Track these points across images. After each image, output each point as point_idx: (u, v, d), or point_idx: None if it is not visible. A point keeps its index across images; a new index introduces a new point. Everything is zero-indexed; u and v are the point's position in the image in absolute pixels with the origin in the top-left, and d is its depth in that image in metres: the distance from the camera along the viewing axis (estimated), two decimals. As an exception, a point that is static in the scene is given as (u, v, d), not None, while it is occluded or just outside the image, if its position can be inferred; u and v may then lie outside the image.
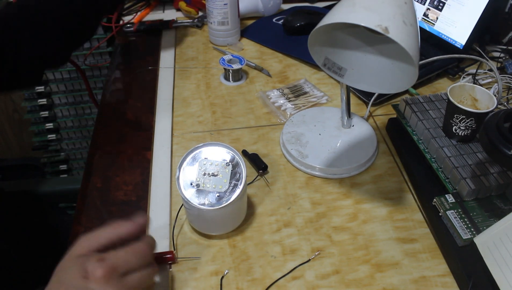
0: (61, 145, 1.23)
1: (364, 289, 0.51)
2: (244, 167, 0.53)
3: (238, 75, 0.84)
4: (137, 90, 0.83)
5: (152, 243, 0.46)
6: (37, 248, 0.71)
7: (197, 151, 0.54)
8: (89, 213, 0.60)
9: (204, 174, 0.53)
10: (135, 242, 0.44)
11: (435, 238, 0.56)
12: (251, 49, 0.93)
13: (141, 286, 0.44)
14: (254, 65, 0.87)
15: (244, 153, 0.67)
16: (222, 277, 0.52)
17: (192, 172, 0.53)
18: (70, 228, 0.58)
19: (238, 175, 0.53)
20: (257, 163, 0.65)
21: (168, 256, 0.53)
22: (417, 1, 0.89)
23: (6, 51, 0.59)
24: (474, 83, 0.81)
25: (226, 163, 0.53)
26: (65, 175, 1.28)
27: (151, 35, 0.99)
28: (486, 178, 0.56)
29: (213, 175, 0.53)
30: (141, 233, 0.45)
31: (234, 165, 0.53)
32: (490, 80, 0.83)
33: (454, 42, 0.83)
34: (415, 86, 0.80)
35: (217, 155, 0.54)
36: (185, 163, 0.54)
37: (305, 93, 0.80)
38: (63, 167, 1.26)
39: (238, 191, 0.52)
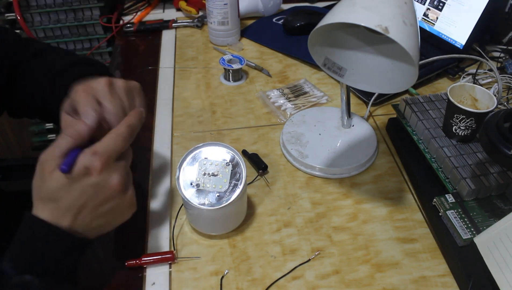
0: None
1: (364, 289, 0.51)
2: (244, 167, 0.53)
3: (238, 75, 0.84)
4: (137, 90, 0.83)
5: (131, 123, 0.46)
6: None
7: (197, 151, 0.54)
8: (89, 213, 0.60)
9: (204, 174, 0.53)
10: (116, 127, 0.45)
11: (435, 238, 0.56)
12: (251, 49, 0.93)
13: (129, 162, 0.47)
14: (254, 65, 0.87)
15: (244, 153, 0.67)
16: (222, 277, 0.52)
17: (192, 172, 0.53)
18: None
19: (238, 175, 0.53)
20: (257, 163, 0.65)
21: (168, 256, 0.53)
22: (417, 1, 0.89)
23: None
24: (474, 83, 0.81)
25: (226, 163, 0.53)
26: (65, 175, 1.28)
27: (151, 35, 0.99)
28: (486, 178, 0.56)
29: (213, 175, 0.53)
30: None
31: (234, 165, 0.53)
32: (490, 80, 0.83)
33: (454, 42, 0.83)
34: (415, 86, 0.80)
35: (217, 155, 0.54)
36: (185, 163, 0.54)
37: (305, 93, 0.80)
38: (63, 167, 1.26)
39: (238, 191, 0.52)
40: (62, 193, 0.42)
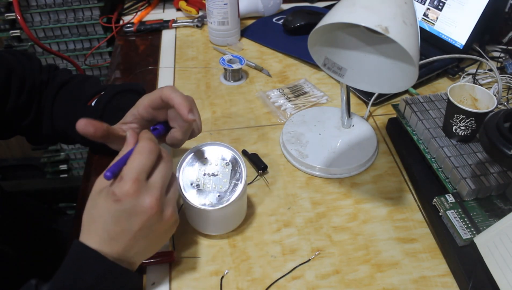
0: (61, 145, 1.22)
1: (364, 289, 0.51)
2: (244, 167, 0.53)
3: (238, 75, 0.84)
4: (137, 90, 0.83)
5: (151, 136, 0.46)
6: (36, 248, 0.71)
7: (197, 151, 0.54)
8: (89, 213, 0.60)
9: (204, 174, 0.53)
10: (137, 146, 0.45)
11: (435, 238, 0.56)
12: (251, 49, 0.93)
13: (167, 178, 0.45)
14: (254, 65, 0.87)
15: (244, 153, 0.67)
16: (222, 277, 0.52)
17: (192, 173, 0.53)
18: (70, 228, 0.58)
19: (238, 174, 0.53)
20: (257, 163, 0.65)
21: (168, 256, 0.53)
22: (417, 1, 0.89)
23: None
24: (474, 83, 0.81)
25: (226, 163, 0.53)
26: (65, 175, 1.28)
27: (151, 35, 0.99)
28: (486, 178, 0.56)
29: (213, 175, 0.53)
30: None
31: (234, 165, 0.53)
32: (490, 80, 0.83)
33: (454, 42, 0.83)
34: (415, 86, 0.80)
35: (217, 155, 0.54)
36: (184, 163, 0.53)
37: (305, 93, 0.80)
38: (63, 167, 1.26)
39: (238, 190, 0.52)
40: (102, 219, 0.42)
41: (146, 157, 0.43)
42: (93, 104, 0.61)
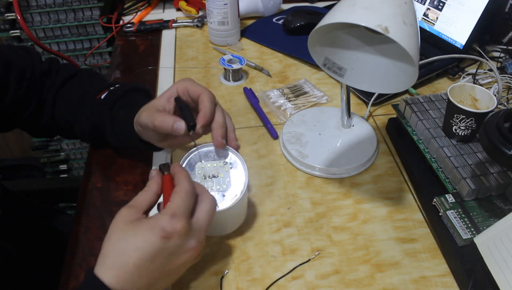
0: (61, 145, 1.22)
1: (364, 289, 0.51)
2: (245, 168, 0.53)
3: (238, 75, 0.84)
4: (137, 90, 0.83)
5: (186, 174, 0.45)
6: (36, 248, 0.71)
7: (191, 156, 0.53)
8: (89, 213, 0.60)
9: (205, 178, 0.52)
10: (178, 185, 0.44)
11: (435, 238, 0.56)
12: (251, 49, 0.93)
13: (212, 216, 0.45)
14: (254, 65, 0.87)
15: (177, 100, 0.55)
16: (222, 277, 0.52)
17: (192, 174, 0.52)
18: (70, 228, 0.58)
19: (239, 176, 0.53)
20: (187, 117, 0.52)
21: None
22: (417, 1, 0.89)
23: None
24: (474, 83, 0.81)
25: (224, 162, 0.53)
26: (65, 175, 1.28)
27: (151, 35, 0.99)
28: (486, 178, 0.56)
29: (214, 176, 0.52)
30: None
31: (235, 166, 0.53)
32: (490, 80, 0.83)
33: (454, 42, 0.83)
34: (415, 86, 0.80)
35: (212, 156, 0.54)
36: (184, 165, 0.53)
37: (305, 93, 0.80)
38: (63, 167, 1.26)
39: (239, 192, 0.51)
40: (136, 254, 0.40)
41: (191, 198, 0.43)
42: (102, 97, 0.61)
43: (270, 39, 0.95)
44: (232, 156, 0.54)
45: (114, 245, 0.40)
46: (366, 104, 0.77)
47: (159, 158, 0.67)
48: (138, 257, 0.39)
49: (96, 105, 0.60)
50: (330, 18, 0.49)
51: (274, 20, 1.01)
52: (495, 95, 0.65)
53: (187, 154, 0.53)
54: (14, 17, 0.98)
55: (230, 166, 0.53)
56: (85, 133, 0.63)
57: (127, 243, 0.40)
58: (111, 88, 0.62)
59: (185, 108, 0.53)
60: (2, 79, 0.58)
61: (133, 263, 0.39)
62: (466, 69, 0.84)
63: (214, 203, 0.46)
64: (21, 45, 0.68)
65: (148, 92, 0.65)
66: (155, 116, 0.51)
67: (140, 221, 0.41)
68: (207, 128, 0.52)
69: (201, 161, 0.53)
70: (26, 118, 0.63)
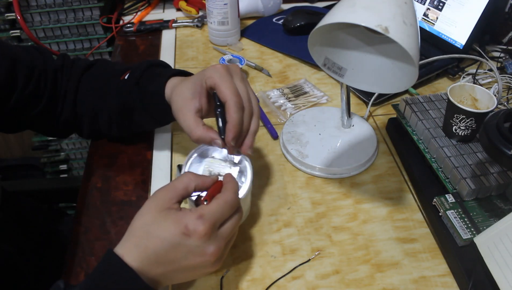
0: (61, 145, 1.23)
1: (364, 289, 0.51)
2: (250, 168, 0.53)
3: (238, 75, 0.84)
4: (137, 90, 0.83)
5: (236, 188, 0.46)
6: (37, 248, 0.71)
7: (204, 149, 0.54)
8: (89, 213, 0.60)
9: (210, 174, 0.52)
10: (223, 193, 0.45)
11: (435, 238, 0.56)
12: (251, 49, 0.93)
13: (233, 234, 0.46)
14: (254, 65, 0.87)
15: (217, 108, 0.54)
16: (222, 277, 0.52)
17: (197, 171, 0.52)
18: (70, 228, 0.58)
19: (244, 175, 0.53)
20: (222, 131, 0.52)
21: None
22: (417, 1, 0.89)
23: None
24: (474, 83, 0.81)
25: (234, 163, 0.53)
26: (65, 175, 1.28)
27: (151, 35, 0.99)
28: (486, 178, 0.56)
29: (220, 175, 0.52)
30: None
31: (241, 165, 0.53)
32: (490, 80, 0.83)
33: (454, 42, 0.83)
34: (415, 86, 0.80)
35: (223, 154, 0.54)
36: (189, 163, 0.53)
37: (305, 93, 0.80)
38: (63, 167, 1.26)
39: (243, 191, 0.51)
40: (158, 241, 0.42)
41: (229, 210, 0.44)
42: (126, 77, 0.61)
43: (270, 39, 0.95)
44: (243, 161, 0.53)
45: (141, 227, 0.43)
46: (366, 104, 0.77)
47: (159, 158, 0.67)
48: (157, 244, 0.41)
49: (122, 86, 0.61)
50: (330, 18, 0.49)
51: (274, 20, 1.01)
52: (495, 95, 0.65)
53: (195, 149, 0.54)
54: (14, 17, 0.98)
55: (238, 169, 0.53)
56: (111, 116, 0.62)
57: (152, 229, 0.42)
58: (132, 67, 0.63)
59: (223, 121, 0.51)
60: (10, 74, 0.58)
61: (152, 248, 0.41)
62: (466, 69, 0.84)
63: (240, 218, 0.47)
64: (32, 45, 0.68)
65: (167, 65, 0.66)
66: (191, 128, 0.51)
67: (170, 211, 0.43)
68: (239, 139, 0.52)
69: (211, 157, 0.54)
70: (36, 116, 0.62)
